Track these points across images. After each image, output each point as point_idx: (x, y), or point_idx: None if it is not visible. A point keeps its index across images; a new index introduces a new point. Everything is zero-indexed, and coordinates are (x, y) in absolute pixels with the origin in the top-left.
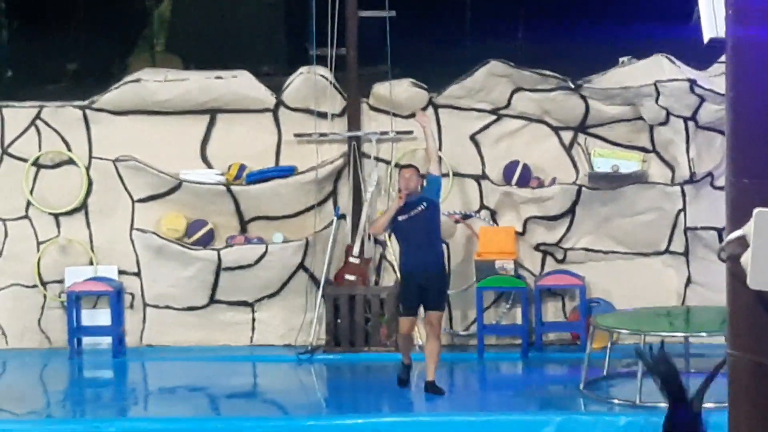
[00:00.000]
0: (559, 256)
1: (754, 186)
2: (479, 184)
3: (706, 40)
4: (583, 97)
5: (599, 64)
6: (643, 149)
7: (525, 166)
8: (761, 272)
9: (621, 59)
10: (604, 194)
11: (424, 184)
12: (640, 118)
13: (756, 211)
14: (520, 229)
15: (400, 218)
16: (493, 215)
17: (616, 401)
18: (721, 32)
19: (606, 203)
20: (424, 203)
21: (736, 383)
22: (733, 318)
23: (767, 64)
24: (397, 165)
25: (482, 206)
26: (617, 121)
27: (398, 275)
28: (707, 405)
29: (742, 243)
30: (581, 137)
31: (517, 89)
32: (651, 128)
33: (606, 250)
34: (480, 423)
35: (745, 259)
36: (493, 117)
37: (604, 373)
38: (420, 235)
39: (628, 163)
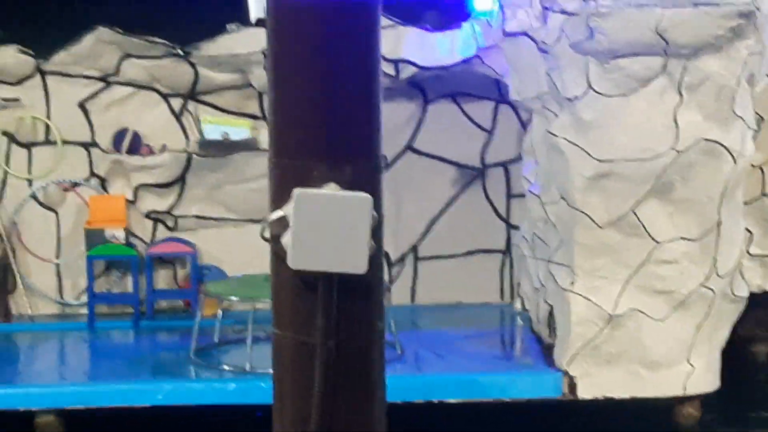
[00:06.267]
0: (170, 224)
1: (295, 167)
2: (88, 152)
3: (253, 20)
4: (192, 64)
5: (208, 31)
6: (252, 116)
7: (135, 133)
8: (301, 252)
9: (228, 26)
10: (214, 161)
11: None
12: (250, 85)
13: (295, 191)
14: (130, 197)
15: None
16: (103, 183)
17: (226, 368)
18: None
19: (216, 170)
20: None
21: (280, 361)
22: (276, 297)
23: (305, 46)
24: (4, 133)
25: (92, 174)
26: (226, 88)
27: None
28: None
29: (283, 223)
30: (191, 104)
31: (126, 56)
32: (260, 95)
33: (217, 217)
34: (90, 393)
35: (286, 239)
36: (102, 84)
37: (215, 340)
38: None
39: (238, 130)
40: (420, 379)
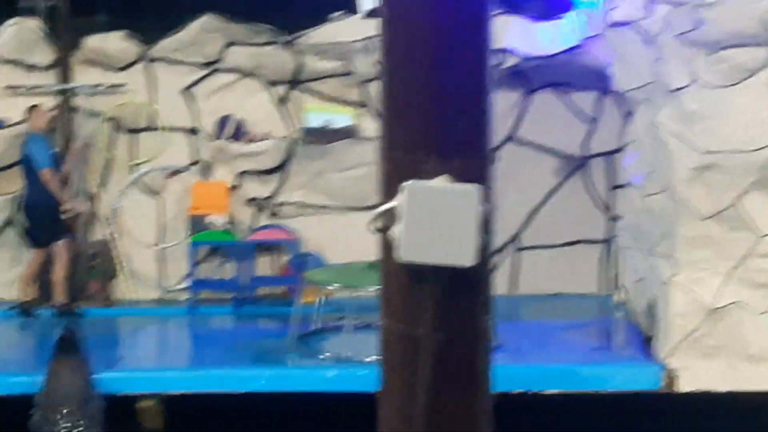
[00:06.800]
0: (272, 211)
1: (405, 160)
2: (192, 139)
3: (364, 11)
4: (296, 52)
5: (311, 19)
6: (354, 104)
7: (238, 120)
8: (410, 244)
9: (333, 15)
10: (316, 149)
11: None
12: (352, 72)
13: (405, 184)
14: (232, 183)
15: None
16: (206, 170)
17: (325, 355)
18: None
19: (318, 158)
20: None
21: (387, 351)
22: (384, 288)
23: (418, 38)
24: (108, 119)
25: (195, 160)
26: (329, 76)
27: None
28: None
29: (393, 215)
30: (294, 92)
31: (230, 43)
32: (363, 83)
33: (318, 204)
34: (191, 378)
35: (395, 231)
36: (206, 71)
37: (315, 327)
38: None
39: (340, 117)
40: (519, 370)
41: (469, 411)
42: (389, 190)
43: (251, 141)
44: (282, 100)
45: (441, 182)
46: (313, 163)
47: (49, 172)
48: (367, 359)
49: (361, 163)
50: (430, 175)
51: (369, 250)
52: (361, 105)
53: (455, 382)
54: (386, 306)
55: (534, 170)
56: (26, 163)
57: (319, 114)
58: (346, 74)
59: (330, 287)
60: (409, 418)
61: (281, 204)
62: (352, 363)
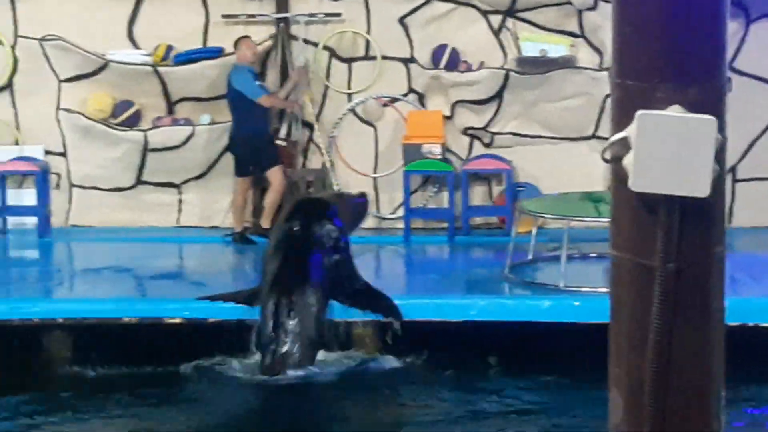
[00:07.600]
0: (487, 140)
1: (638, 88)
2: (407, 68)
3: None
4: None
5: None
6: (571, 34)
7: (453, 49)
8: (643, 174)
9: None
10: (531, 79)
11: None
12: (569, 2)
13: (639, 113)
14: (447, 112)
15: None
16: (421, 99)
17: (540, 285)
18: None
19: (534, 88)
20: None
21: (617, 283)
22: (616, 219)
23: None
24: (325, 47)
25: (410, 90)
26: (546, 5)
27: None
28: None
29: (625, 145)
30: (510, 21)
31: None
32: (580, 13)
33: (533, 134)
34: (405, 306)
35: (628, 161)
36: (423, 0)
37: (530, 257)
38: None
39: (557, 47)
40: (735, 302)
41: (702, 341)
42: (621, 119)
43: (467, 70)
44: (497, 30)
45: (676, 111)
46: (528, 93)
47: (268, 98)
48: (583, 290)
49: (576, 94)
50: (664, 103)
51: (584, 180)
52: (578, 35)
53: (688, 313)
54: (617, 236)
55: (753, 101)
56: (232, 95)
57: (535, 43)
58: (564, 3)
59: (545, 217)
60: (641, 349)
61: (496, 134)
62: (567, 293)
